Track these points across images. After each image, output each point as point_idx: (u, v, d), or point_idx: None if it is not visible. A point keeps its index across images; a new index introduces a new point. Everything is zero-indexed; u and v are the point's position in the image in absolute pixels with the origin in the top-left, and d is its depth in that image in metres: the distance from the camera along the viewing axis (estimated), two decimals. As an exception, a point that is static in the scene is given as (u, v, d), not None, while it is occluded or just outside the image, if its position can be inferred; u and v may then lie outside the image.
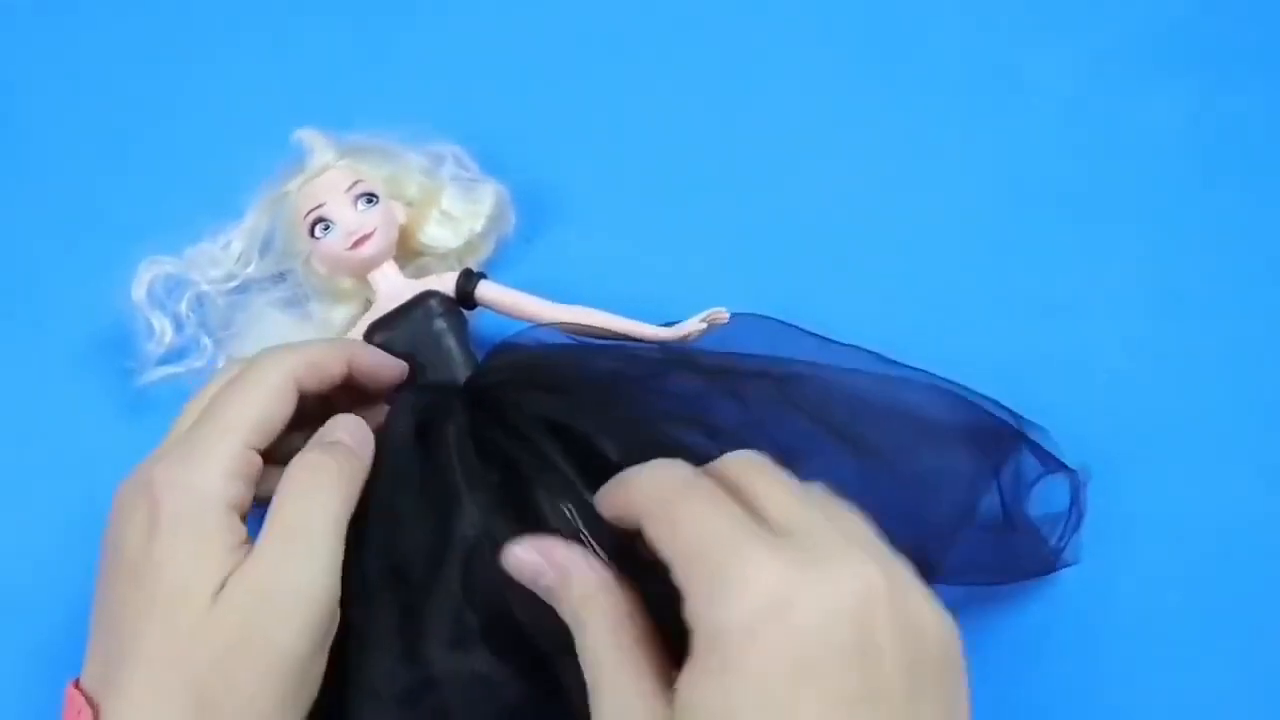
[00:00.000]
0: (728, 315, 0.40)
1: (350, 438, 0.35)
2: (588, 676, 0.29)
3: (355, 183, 0.41)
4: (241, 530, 0.33)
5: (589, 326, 0.41)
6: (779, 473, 0.30)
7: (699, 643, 0.27)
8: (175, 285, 0.44)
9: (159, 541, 0.32)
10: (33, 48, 0.52)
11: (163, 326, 0.44)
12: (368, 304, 0.43)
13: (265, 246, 0.44)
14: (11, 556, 0.44)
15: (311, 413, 0.37)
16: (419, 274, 0.44)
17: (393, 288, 0.42)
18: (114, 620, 0.32)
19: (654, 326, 0.41)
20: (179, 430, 0.36)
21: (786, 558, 0.27)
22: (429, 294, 0.41)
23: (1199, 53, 0.50)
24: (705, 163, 0.48)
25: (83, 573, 0.41)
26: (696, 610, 0.27)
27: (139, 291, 0.43)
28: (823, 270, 0.46)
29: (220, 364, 0.43)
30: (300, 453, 0.35)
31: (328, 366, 0.36)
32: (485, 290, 0.42)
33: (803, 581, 0.26)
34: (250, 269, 0.44)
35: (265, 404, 0.34)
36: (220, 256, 0.44)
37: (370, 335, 0.41)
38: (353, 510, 0.34)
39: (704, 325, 0.40)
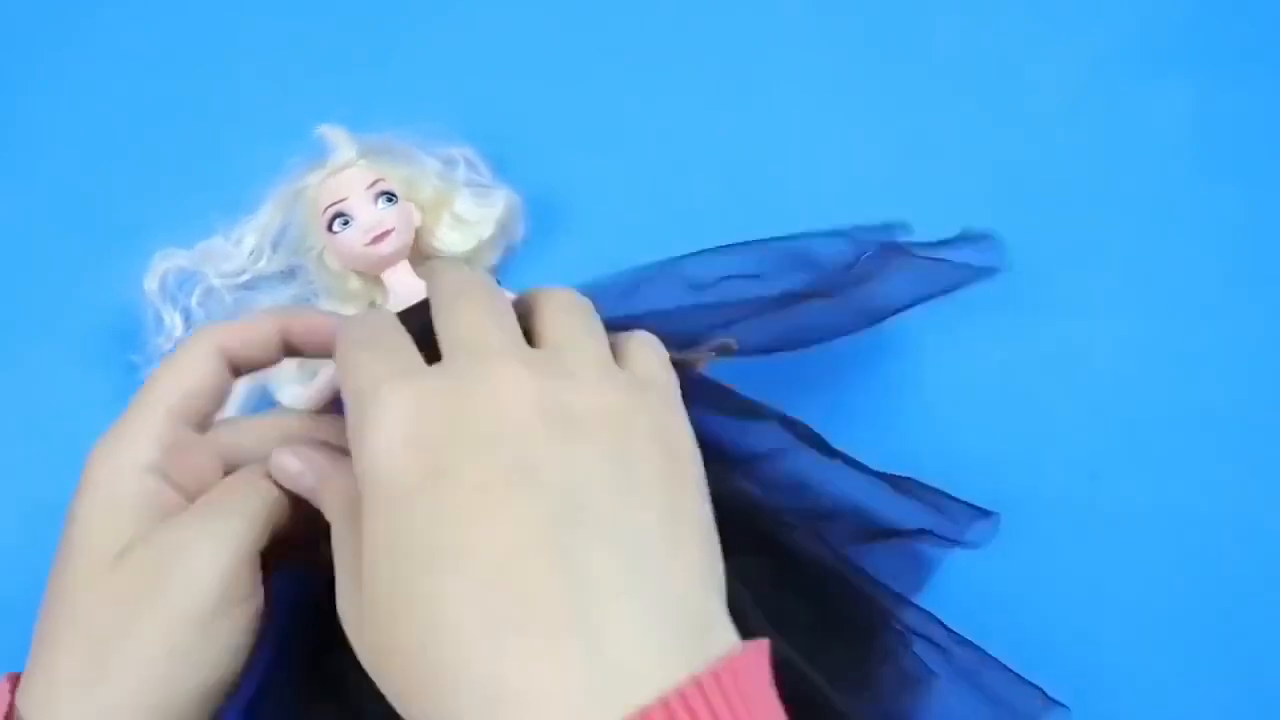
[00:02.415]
0: (736, 345, 0.40)
1: (313, 473, 0.34)
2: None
3: (376, 181, 0.42)
4: (164, 494, 0.32)
5: None
6: (473, 293, 0.31)
7: (359, 485, 0.27)
8: (186, 279, 0.44)
9: (78, 506, 0.32)
10: (47, 44, 0.52)
11: (173, 320, 0.44)
12: (373, 306, 0.43)
13: (278, 241, 0.44)
14: (10, 549, 0.44)
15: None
16: (428, 277, 0.44)
17: (406, 288, 0.42)
18: (44, 603, 0.32)
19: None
20: None
21: (425, 379, 0.28)
22: None
23: (1199, 52, 0.50)
24: (711, 169, 0.48)
25: None
26: (352, 451, 0.28)
27: (152, 283, 0.43)
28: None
29: None
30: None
31: (259, 335, 0.35)
32: None
33: (437, 396, 0.27)
34: (262, 264, 0.44)
35: (189, 375, 0.34)
36: (233, 251, 0.44)
37: None
38: (279, 522, 0.33)
39: (712, 355, 0.40)
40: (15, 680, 0.32)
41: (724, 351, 0.40)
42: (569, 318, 0.31)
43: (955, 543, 0.39)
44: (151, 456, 0.32)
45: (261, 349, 0.35)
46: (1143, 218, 0.47)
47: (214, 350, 0.34)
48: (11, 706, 0.31)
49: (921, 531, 0.39)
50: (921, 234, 0.45)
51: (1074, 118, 0.49)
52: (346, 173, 0.42)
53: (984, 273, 0.43)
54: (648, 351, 0.31)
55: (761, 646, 0.26)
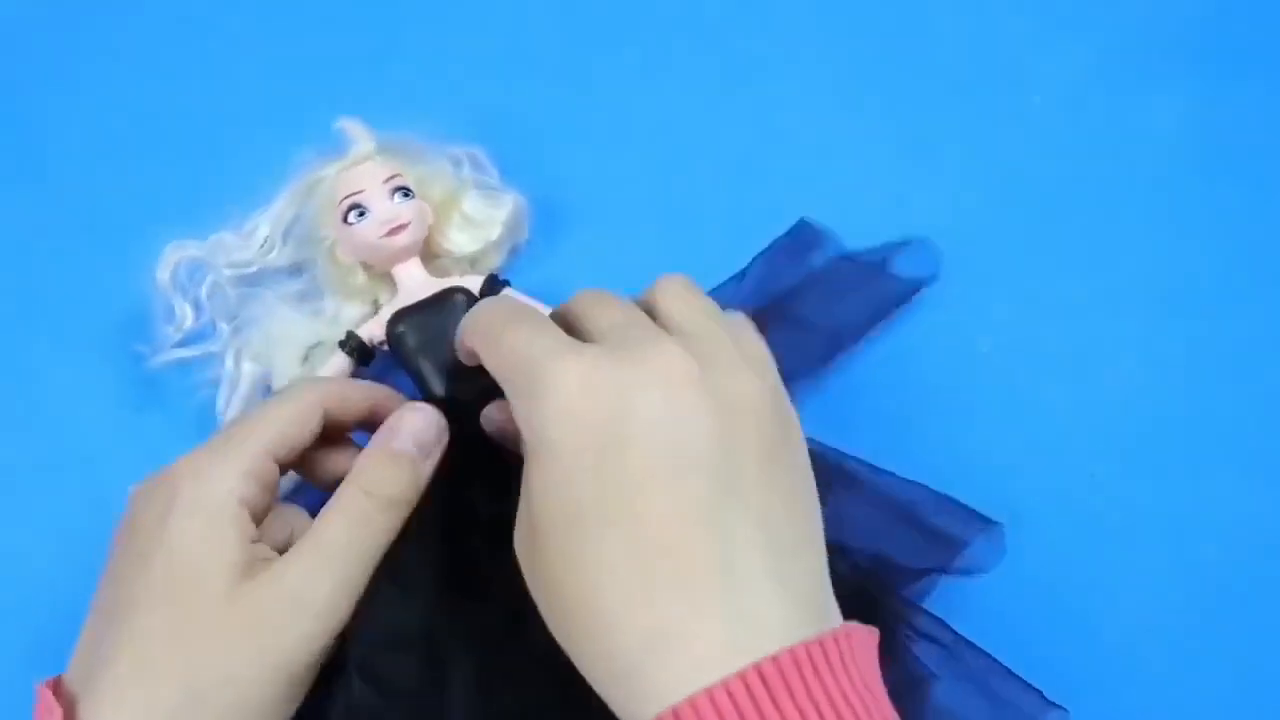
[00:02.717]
0: None
1: (419, 447, 0.35)
2: None
3: (393, 175, 0.42)
4: (254, 530, 0.33)
5: None
6: (612, 298, 0.34)
7: (526, 446, 0.30)
8: (197, 269, 0.44)
9: (173, 524, 0.32)
10: (65, 38, 0.52)
11: (184, 310, 0.44)
12: (376, 305, 0.43)
13: (289, 233, 0.44)
14: (16, 541, 0.43)
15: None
16: (435, 275, 0.44)
17: (415, 284, 0.42)
18: (112, 605, 0.32)
19: None
20: None
21: (596, 353, 0.30)
22: (457, 289, 0.42)
23: (1202, 52, 0.50)
24: (714, 171, 0.48)
25: (85, 561, 0.40)
26: (519, 415, 0.30)
27: (164, 274, 0.43)
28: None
29: (232, 351, 0.43)
30: (360, 466, 0.34)
31: (354, 402, 0.37)
32: (509, 296, 0.43)
33: (609, 369, 0.29)
34: (273, 255, 0.44)
35: (291, 418, 0.35)
36: (244, 242, 0.44)
37: (394, 323, 0.41)
38: (390, 540, 0.34)
39: None
40: (56, 685, 0.32)
41: None
42: (693, 302, 0.33)
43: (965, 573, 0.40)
44: (247, 491, 0.33)
45: (354, 415, 0.37)
46: (1143, 218, 0.47)
47: (318, 404, 0.35)
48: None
49: (936, 569, 0.40)
50: (928, 234, 0.46)
51: (1074, 118, 0.49)
52: (364, 165, 0.42)
53: (926, 280, 0.45)
54: (752, 333, 0.33)
55: (873, 630, 0.30)
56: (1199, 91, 0.49)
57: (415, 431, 0.35)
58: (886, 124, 0.49)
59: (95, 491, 0.42)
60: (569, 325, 0.33)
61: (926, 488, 0.40)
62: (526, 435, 0.30)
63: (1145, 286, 0.46)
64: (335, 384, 0.37)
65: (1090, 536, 0.42)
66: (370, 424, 0.37)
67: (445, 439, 0.36)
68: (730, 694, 0.26)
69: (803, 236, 0.45)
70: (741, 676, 0.26)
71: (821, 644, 0.27)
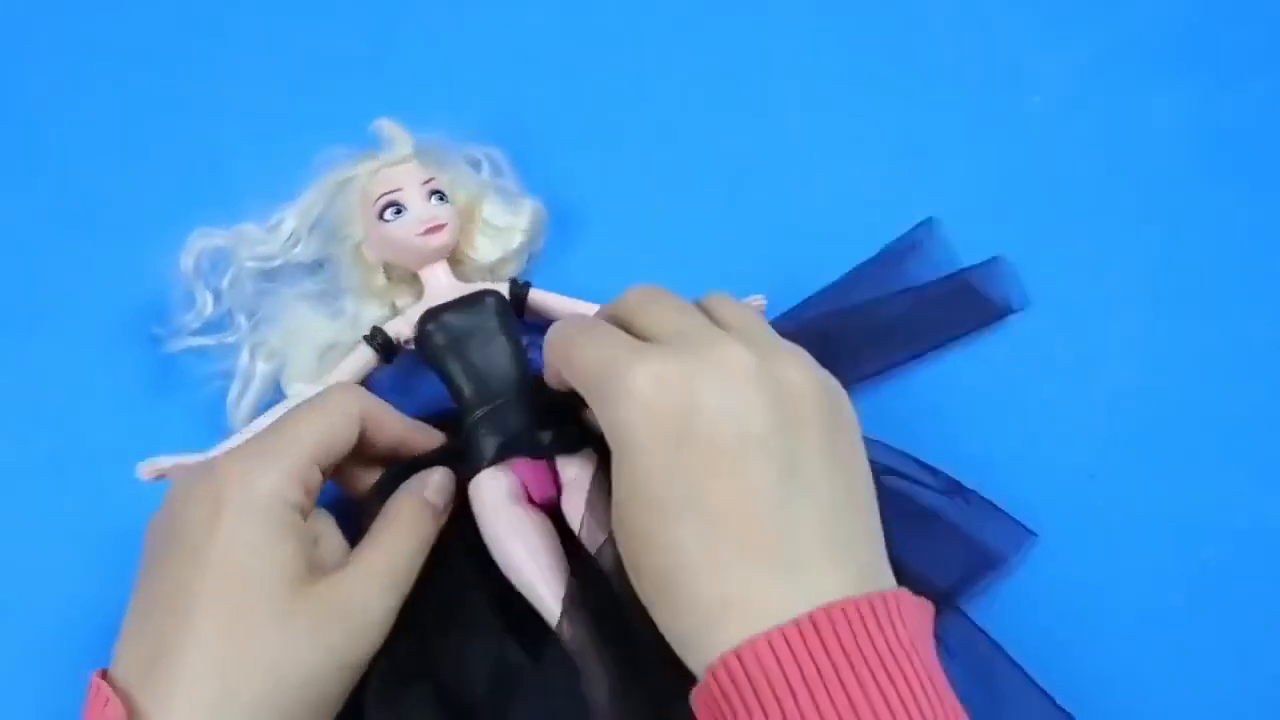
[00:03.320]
0: (764, 301, 0.43)
1: (441, 499, 0.38)
2: None
3: (430, 179, 0.42)
4: (305, 531, 0.34)
5: None
6: (665, 296, 0.36)
7: (612, 448, 0.32)
8: (219, 260, 0.44)
9: (224, 527, 0.32)
10: (76, 34, 0.52)
11: (204, 298, 0.43)
12: (394, 309, 0.43)
13: (314, 229, 0.44)
14: (25, 534, 0.43)
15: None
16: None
17: (442, 287, 0.42)
18: (163, 601, 0.32)
19: None
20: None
21: (662, 354, 0.32)
22: (488, 292, 0.42)
23: (1201, 53, 0.50)
24: (720, 176, 0.48)
25: (93, 554, 0.42)
26: (603, 421, 0.32)
27: (187, 261, 0.43)
28: (837, 269, 0.46)
29: (248, 347, 0.43)
30: (406, 490, 0.38)
31: (388, 428, 0.38)
32: (537, 296, 0.43)
33: (675, 368, 0.31)
34: (297, 249, 0.43)
35: (335, 427, 0.36)
36: (269, 235, 0.43)
37: (425, 321, 0.41)
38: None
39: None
40: (104, 674, 0.32)
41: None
42: (740, 307, 0.36)
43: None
44: (294, 495, 0.34)
45: (384, 441, 0.38)
46: (1143, 219, 0.47)
47: (358, 413, 0.37)
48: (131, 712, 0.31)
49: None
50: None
51: (1073, 118, 0.49)
52: (403, 165, 0.42)
53: (1013, 308, 0.45)
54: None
55: (925, 602, 0.32)
56: (1198, 91, 0.50)
57: (441, 488, 0.38)
58: (886, 124, 0.49)
59: (104, 484, 0.43)
60: (625, 323, 0.35)
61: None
62: (610, 438, 0.32)
63: (1145, 286, 0.47)
64: (375, 404, 0.38)
65: (1090, 536, 0.42)
66: (394, 457, 0.39)
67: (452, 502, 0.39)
68: (785, 638, 0.28)
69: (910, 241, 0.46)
70: (796, 623, 0.28)
71: (870, 601, 0.29)
